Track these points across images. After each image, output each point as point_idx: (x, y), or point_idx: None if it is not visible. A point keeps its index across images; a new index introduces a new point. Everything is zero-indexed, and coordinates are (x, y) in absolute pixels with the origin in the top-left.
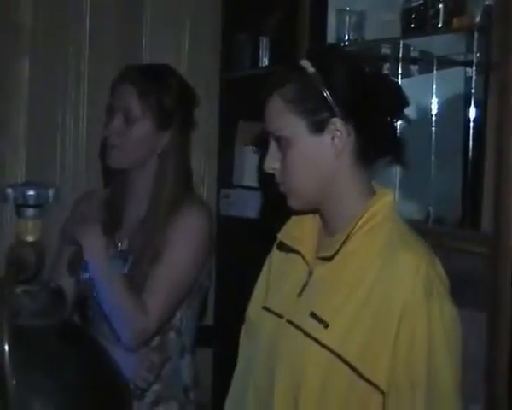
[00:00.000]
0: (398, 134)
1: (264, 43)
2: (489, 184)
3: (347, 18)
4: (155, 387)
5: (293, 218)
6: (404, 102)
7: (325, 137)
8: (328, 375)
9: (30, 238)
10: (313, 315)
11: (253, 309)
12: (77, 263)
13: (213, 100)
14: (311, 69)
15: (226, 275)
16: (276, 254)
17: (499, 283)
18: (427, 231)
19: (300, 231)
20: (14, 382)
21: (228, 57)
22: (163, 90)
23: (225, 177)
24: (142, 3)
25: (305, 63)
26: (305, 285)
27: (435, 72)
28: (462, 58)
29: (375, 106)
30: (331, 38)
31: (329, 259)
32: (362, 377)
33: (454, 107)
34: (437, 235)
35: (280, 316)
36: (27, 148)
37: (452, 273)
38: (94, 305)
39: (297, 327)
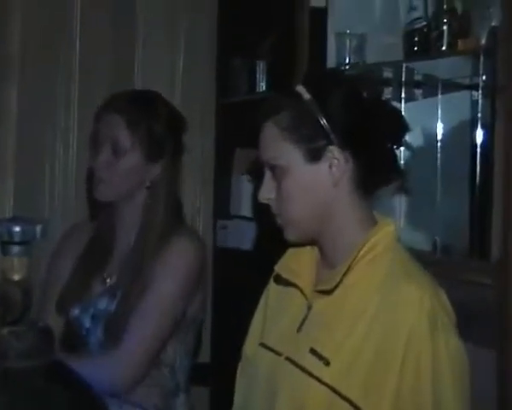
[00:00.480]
0: (398, 161)
1: (260, 67)
2: (498, 212)
3: (348, 41)
4: None
5: (291, 250)
6: (405, 128)
7: (322, 166)
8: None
9: (16, 276)
10: (313, 351)
11: (250, 346)
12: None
13: (209, 127)
14: (306, 95)
15: (223, 309)
16: (272, 288)
17: (509, 316)
18: (434, 261)
19: (298, 263)
20: None
21: (224, 82)
22: (153, 118)
23: (222, 207)
24: (135, 27)
25: (301, 89)
26: (304, 320)
27: (440, 95)
28: (467, 81)
29: (373, 132)
30: (331, 61)
31: (329, 292)
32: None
33: (460, 131)
34: (444, 265)
35: (278, 353)
36: (15, 177)
37: (460, 306)
38: (83, 344)
39: (296, 365)
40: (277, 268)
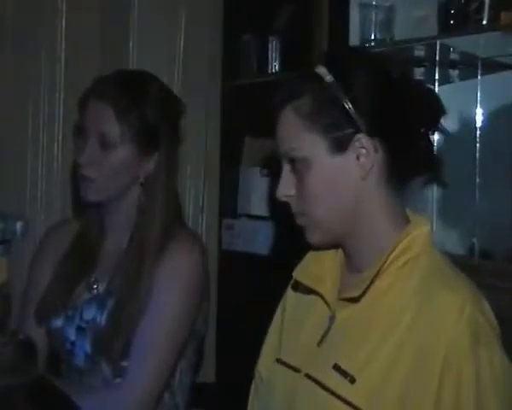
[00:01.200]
0: (434, 149)
1: (274, 44)
2: None
3: (373, 14)
4: None
5: (311, 253)
6: (441, 111)
7: (349, 157)
8: None
9: None
10: (337, 367)
11: (265, 363)
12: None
13: (213, 113)
14: (328, 77)
15: (229, 322)
16: (290, 297)
17: None
18: (471, 267)
19: (320, 268)
20: None
21: (231, 62)
22: (145, 105)
23: (228, 204)
24: (129, 3)
25: (322, 70)
26: (326, 332)
27: (480, 77)
28: (511, 60)
29: (405, 117)
30: (354, 38)
31: (356, 300)
32: None
33: (503, 117)
34: (483, 272)
35: (297, 370)
36: None
37: (501, 318)
38: (66, 357)
39: (317, 382)
40: (296, 274)
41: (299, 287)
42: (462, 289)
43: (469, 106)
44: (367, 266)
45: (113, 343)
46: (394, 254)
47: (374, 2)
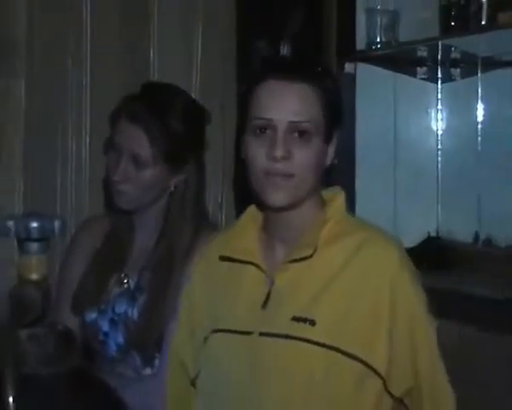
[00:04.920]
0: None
1: (285, 49)
2: None
3: (378, 18)
4: None
5: (234, 231)
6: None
7: (329, 147)
8: (328, 370)
9: (34, 276)
10: (295, 318)
11: (191, 342)
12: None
13: (230, 116)
14: (329, 80)
15: None
16: (217, 272)
17: None
18: (475, 254)
19: (246, 243)
20: None
21: (245, 66)
22: (175, 124)
23: (245, 201)
24: (148, 10)
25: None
26: (268, 296)
27: (480, 75)
28: (510, 58)
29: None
30: (361, 40)
31: (309, 257)
32: (360, 361)
33: (503, 113)
34: (486, 259)
35: (247, 333)
36: (24, 177)
37: (506, 303)
38: (99, 347)
39: (278, 336)
40: (225, 251)
41: (223, 263)
42: (385, 233)
43: (471, 102)
44: (292, 238)
45: (146, 337)
46: (327, 216)
47: (378, 7)
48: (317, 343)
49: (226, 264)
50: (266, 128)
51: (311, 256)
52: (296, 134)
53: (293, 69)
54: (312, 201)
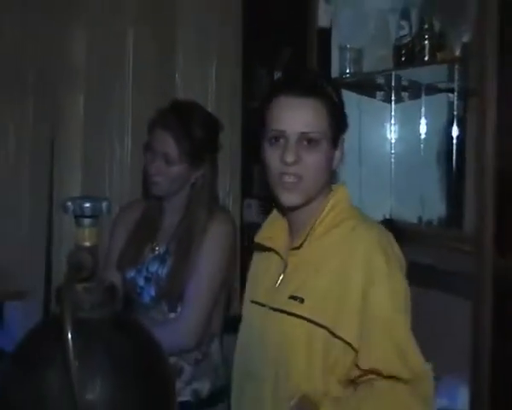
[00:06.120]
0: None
1: (278, 76)
2: (470, 191)
3: (348, 54)
4: (189, 368)
5: (266, 222)
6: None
7: (337, 152)
8: (311, 341)
9: (87, 244)
10: (292, 297)
11: (244, 305)
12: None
13: (236, 126)
14: (333, 94)
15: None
16: (255, 256)
17: (481, 275)
18: (419, 232)
19: (272, 232)
20: (77, 364)
21: (248, 89)
22: (195, 131)
23: (247, 190)
24: (175, 48)
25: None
26: (280, 276)
27: (423, 97)
28: (445, 86)
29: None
30: (335, 71)
31: (298, 248)
32: (336, 337)
33: (439, 127)
34: (427, 235)
35: (263, 305)
36: (82, 168)
37: (442, 267)
38: (136, 298)
39: (277, 310)
40: (256, 238)
41: (260, 247)
42: (372, 225)
43: (416, 118)
44: (302, 229)
45: (172, 291)
46: (322, 215)
47: (348, 46)
48: (301, 317)
49: (260, 247)
50: (280, 137)
51: (301, 246)
52: (305, 142)
53: (301, 86)
54: (321, 198)
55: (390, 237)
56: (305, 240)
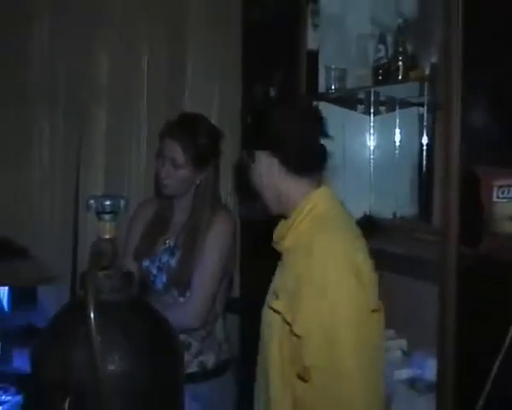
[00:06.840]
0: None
1: (273, 92)
2: (438, 191)
3: (333, 73)
4: (196, 343)
5: (279, 223)
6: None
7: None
8: (282, 334)
9: (107, 236)
10: (273, 293)
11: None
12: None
13: (236, 135)
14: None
15: (247, 260)
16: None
17: (447, 262)
18: (394, 225)
19: (281, 231)
20: (99, 339)
21: (247, 102)
22: (200, 140)
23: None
24: (185, 69)
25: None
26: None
27: (397, 111)
28: (416, 100)
29: None
30: (322, 86)
31: (281, 247)
32: (293, 333)
33: (411, 136)
34: (401, 228)
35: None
36: (104, 171)
37: (413, 256)
38: (150, 285)
39: (268, 306)
40: (274, 236)
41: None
42: (336, 231)
43: (392, 129)
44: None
45: (182, 279)
46: (295, 212)
47: (333, 66)
48: (275, 311)
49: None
50: None
51: (283, 245)
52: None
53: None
54: (301, 204)
55: (356, 244)
56: (283, 238)
